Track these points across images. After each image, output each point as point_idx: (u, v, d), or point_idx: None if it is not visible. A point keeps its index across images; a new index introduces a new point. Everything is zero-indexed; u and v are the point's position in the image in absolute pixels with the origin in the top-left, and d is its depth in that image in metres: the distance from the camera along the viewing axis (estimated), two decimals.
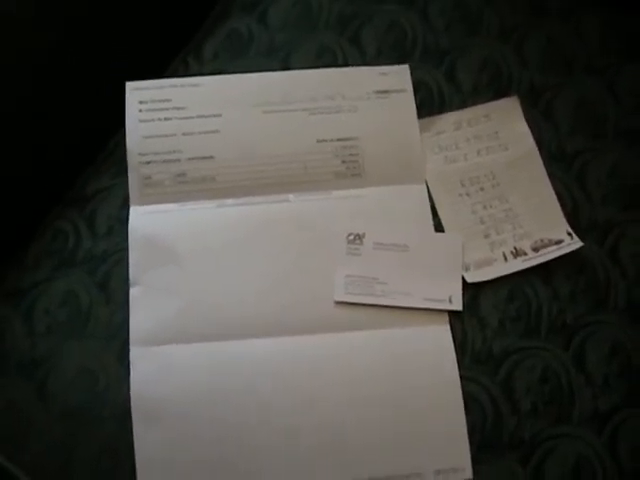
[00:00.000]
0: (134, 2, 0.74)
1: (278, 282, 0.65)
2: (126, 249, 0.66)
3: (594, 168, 0.71)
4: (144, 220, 0.67)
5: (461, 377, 0.62)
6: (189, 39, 0.77)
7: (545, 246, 0.67)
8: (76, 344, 0.64)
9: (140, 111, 0.69)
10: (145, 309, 0.64)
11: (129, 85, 0.70)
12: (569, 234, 0.68)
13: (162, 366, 0.62)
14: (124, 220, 0.67)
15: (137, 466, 0.60)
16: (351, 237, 0.66)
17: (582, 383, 0.63)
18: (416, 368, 0.62)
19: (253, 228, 0.67)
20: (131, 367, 0.62)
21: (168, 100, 0.69)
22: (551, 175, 0.70)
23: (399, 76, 0.71)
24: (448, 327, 0.64)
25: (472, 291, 0.65)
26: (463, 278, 0.66)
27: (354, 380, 0.62)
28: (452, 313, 0.65)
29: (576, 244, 0.67)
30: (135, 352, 0.62)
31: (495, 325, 0.65)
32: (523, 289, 0.66)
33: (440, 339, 0.63)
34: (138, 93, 0.70)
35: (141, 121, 0.69)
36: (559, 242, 0.67)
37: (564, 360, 0.64)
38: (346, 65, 0.73)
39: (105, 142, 0.72)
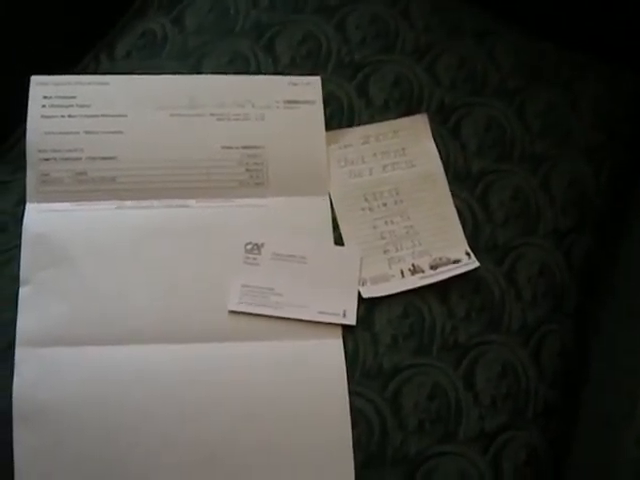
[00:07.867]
0: None
1: (172, 288, 0.64)
2: (19, 247, 0.65)
3: (498, 190, 0.71)
4: (39, 218, 0.65)
5: (350, 392, 0.62)
6: (104, 34, 0.76)
7: (443, 264, 0.68)
8: None
9: (43, 106, 0.68)
10: (34, 309, 0.62)
11: (34, 79, 0.68)
12: (467, 254, 0.68)
13: (47, 369, 0.61)
14: (20, 217, 0.66)
15: (15, 471, 0.59)
16: (249, 246, 0.66)
17: (470, 402, 0.64)
18: (304, 381, 0.62)
19: (151, 232, 0.66)
20: (15, 368, 0.61)
21: (73, 97, 0.68)
22: (455, 194, 0.70)
23: (310, 87, 0.71)
24: (340, 341, 0.64)
25: (367, 306, 0.66)
26: (359, 293, 0.66)
27: (239, 392, 0.61)
28: (346, 327, 0.65)
29: (473, 264, 0.67)
30: (20, 353, 0.61)
31: (388, 341, 0.65)
32: (418, 306, 0.66)
33: (331, 353, 0.63)
34: (43, 88, 0.68)
35: (43, 117, 0.67)
36: (457, 261, 0.68)
37: (453, 379, 0.64)
38: (258, 73, 0.72)
39: (6, 136, 0.71)
